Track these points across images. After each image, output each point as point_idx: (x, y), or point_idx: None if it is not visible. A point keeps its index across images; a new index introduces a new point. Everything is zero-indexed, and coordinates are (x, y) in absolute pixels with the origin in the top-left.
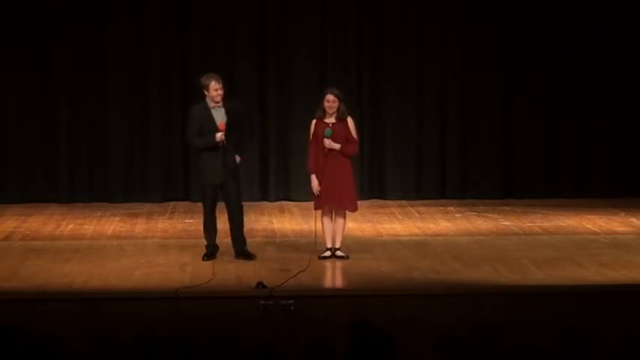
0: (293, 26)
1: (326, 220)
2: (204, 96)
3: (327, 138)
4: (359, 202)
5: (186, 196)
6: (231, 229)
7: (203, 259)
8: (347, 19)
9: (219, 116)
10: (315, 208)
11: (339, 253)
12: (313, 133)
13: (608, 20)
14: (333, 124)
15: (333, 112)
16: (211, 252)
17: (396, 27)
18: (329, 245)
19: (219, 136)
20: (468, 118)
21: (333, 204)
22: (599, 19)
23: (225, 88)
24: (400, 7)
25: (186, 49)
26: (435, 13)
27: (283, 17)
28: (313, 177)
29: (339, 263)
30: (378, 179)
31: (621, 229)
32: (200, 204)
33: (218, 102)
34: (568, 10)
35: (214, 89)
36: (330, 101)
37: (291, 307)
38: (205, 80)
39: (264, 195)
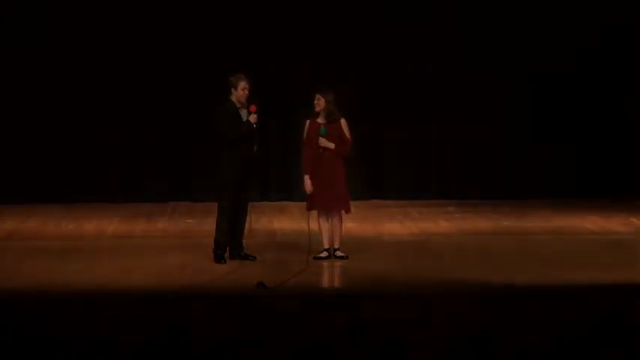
0: (294, 27)
1: (322, 221)
2: (229, 94)
3: (322, 136)
4: (359, 203)
5: (186, 196)
6: (232, 229)
7: (220, 262)
8: (347, 19)
9: (245, 116)
10: (308, 209)
11: (338, 253)
12: (306, 133)
13: (608, 20)
14: (324, 124)
15: (320, 111)
16: (223, 254)
17: (396, 27)
18: (326, 246)
19: (254, 117)
20: (468, 118)
21: (326, 205)
22: (600, 18)
23: (250, 89)
24: (400, 6)
25: (187, 49)
26: (435, 13)
27: (284, 18)
28: (306, 177)
29: (338, 263)
30: (378, 179)
31: (621, 229)
32: (201, 204)
33: (243, 102)
34: (568, 10)
35: (242, 89)
36: (314, 99)
37: (291, 307)
38: (236, 80)
39: (265, 195)
